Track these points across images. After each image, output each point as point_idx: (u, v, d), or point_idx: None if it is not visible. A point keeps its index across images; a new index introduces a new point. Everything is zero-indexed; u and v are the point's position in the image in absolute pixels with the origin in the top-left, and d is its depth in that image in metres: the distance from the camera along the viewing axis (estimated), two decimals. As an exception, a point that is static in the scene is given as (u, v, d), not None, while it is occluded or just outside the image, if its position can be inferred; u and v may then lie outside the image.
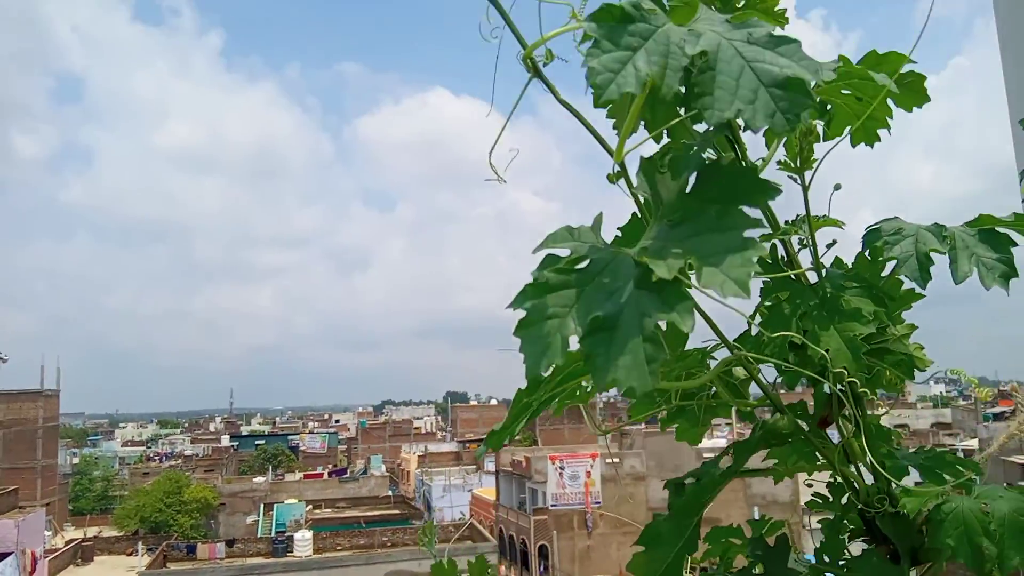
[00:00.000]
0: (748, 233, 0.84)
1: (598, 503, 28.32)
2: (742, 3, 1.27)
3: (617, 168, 1.07)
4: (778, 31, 0.87)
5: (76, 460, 57.00)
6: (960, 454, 1.38)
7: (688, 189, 0.96)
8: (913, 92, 1.18)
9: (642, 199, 1.00)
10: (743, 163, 1.08)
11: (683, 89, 0.87)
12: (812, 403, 1.30)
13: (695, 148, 0.96)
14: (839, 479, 1.26)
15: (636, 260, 0.87)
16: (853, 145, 1.34)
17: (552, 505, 28.45)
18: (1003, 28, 4.93)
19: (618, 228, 1.28)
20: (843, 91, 1.25)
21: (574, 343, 0.85)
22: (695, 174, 0.95)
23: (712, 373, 1.12)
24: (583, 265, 0.93)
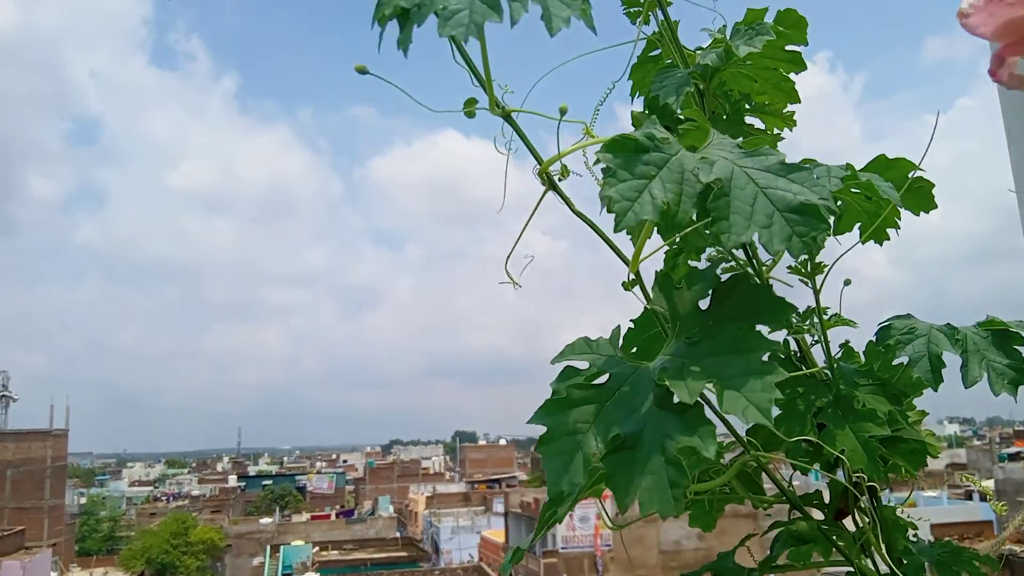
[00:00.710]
0: (767, 356, 0.87)
1: (608, 546, 27.92)
2: (764, 22, 1.30)
3: (632, 276, 1.10)
4: (789, 159, 0.90)
5: (83, 500, 56.70)
6: (976, 496, 1.37)
7: (704, 305, 0.98)
8: (922, 198, 1.21)
9: (660, 309, 1.02)
10: (758, 278, 1.11)
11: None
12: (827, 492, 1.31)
13: (709, 263, 0.99)
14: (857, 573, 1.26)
15: (656, 380, 0.89)
16: (863, 243, 1.37)
17: (562, 548, 28.06)
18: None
19: (631, 321, 1.30)
20: (852, 190, 1.28)
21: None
22: (711, 290, 0.97)
23: (729, 474, 1.13)
24: (603, 379, 0.95)
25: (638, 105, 1.42)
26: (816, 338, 1.24)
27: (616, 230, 0.88)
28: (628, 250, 1.05)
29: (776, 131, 1.43)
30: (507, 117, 1.09)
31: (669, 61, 1.52)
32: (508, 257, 1.19)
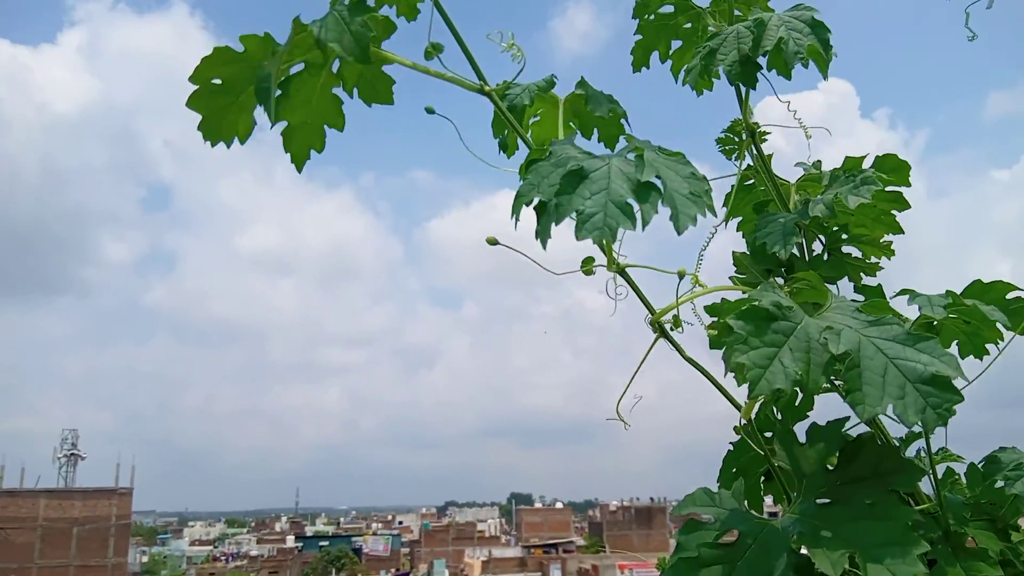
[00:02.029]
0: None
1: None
2: (865, 168, 1.33)
3: (744, 422, 1.12)
4: (914, 330, 0.93)
5: (145, 559, 57.33)
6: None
7: (831, 464, 1.00)
8: (1020, 316, 1.21)
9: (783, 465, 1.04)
10: (886, 440, 1.12)
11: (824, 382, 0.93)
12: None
13: (835, 422, 1.01)
14: None
15: (792, 544, 0.90)
16: (962, 357, 1.37)
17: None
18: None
19: (730, 443, 1.31)
20: (950, 315, 1.29)
21: None
22: (838, 450, 0.99)
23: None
24: (731, 538, 0.97)
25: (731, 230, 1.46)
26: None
27: (750, 396, 0.91)
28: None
29: (874, 259, 1.45)
30: (622, 272, 1.14)
31: (763, 188, 1.57)
32: (620, 400, 1.22)
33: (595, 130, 1.38)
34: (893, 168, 1.29)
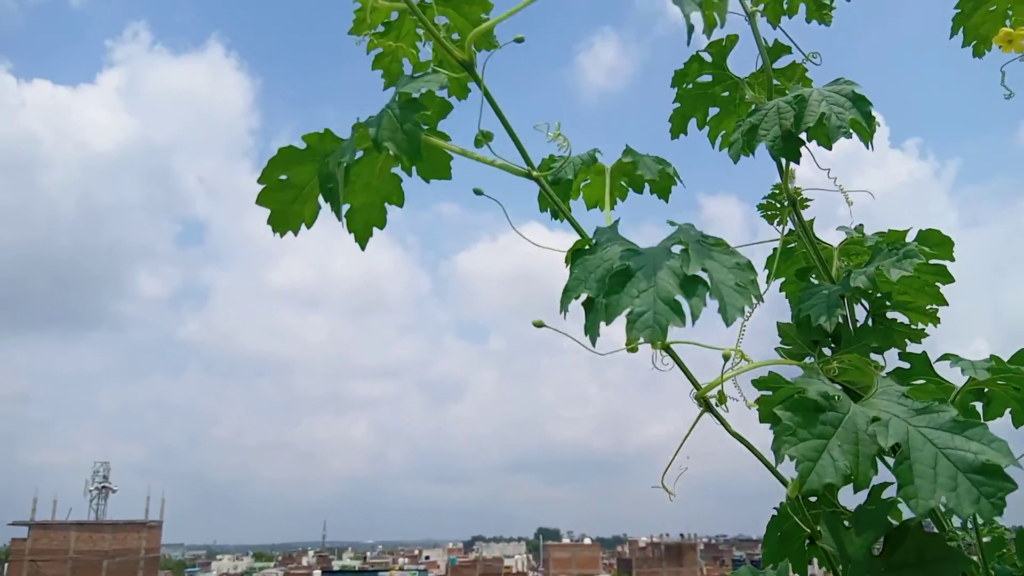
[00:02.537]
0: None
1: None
2: (908, 242, 1.33)
3: (792, 496, 1.12)
4: (961, 416, 0.92)
5: (173, 592, 57.35)
6: None
7: (876, 551, 0.99)
8: None
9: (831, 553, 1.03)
10: (939, 525, 1.11)
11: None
12: None
13: (881, 505, 1.00)
14: None
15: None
16: (1016, 426, 1.36)
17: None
18: None
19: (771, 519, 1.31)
20: (999, 382, 1.28)
21: None
22: (882, 538, 0.99)
23: None
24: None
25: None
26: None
27: (802, 491, 0.91)
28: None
29: (920, 326, 1.45)
30: (667, 349, 1.15)
31: (804, 251, 1.58)
32: (665, 471, 1.23)
33: (647, 186, 1.40)
34: (937, 242, 1.29)
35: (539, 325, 1.08)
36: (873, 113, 1.25)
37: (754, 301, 0.90)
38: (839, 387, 1.00)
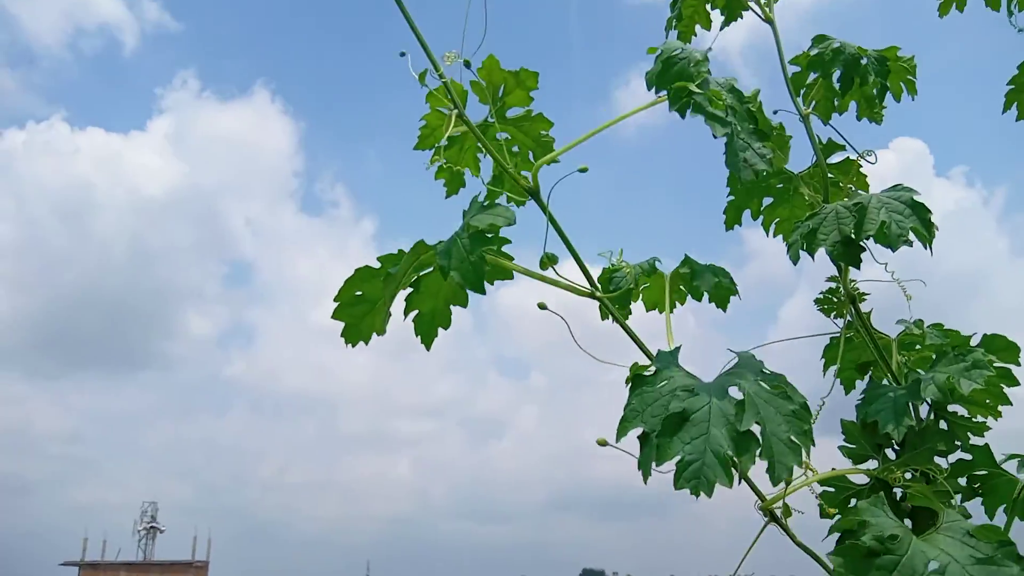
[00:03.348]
0: None
1: None
2: (974, 347, 1.32)
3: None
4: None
5: (220, 625, 57.71)
6: None
7: None
8: None
9: None
10: None
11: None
12: None
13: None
14: None
15: None
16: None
17: None
18: None
19: None
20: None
21: None
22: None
23: None
24: None
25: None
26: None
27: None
28: None
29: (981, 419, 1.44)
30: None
31: (861, 340, 1.57)
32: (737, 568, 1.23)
33: (704, 294, 1.42)
34: (1003, 348, 1.29)
35: (602, 443, 1.10)
36: (933, 220, 1.26)
37: (804, 456, 0.92)
38: (899, 521, 1.00)
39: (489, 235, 1.08)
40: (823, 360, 1.61)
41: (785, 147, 1.34)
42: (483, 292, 1.07)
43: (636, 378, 1.03)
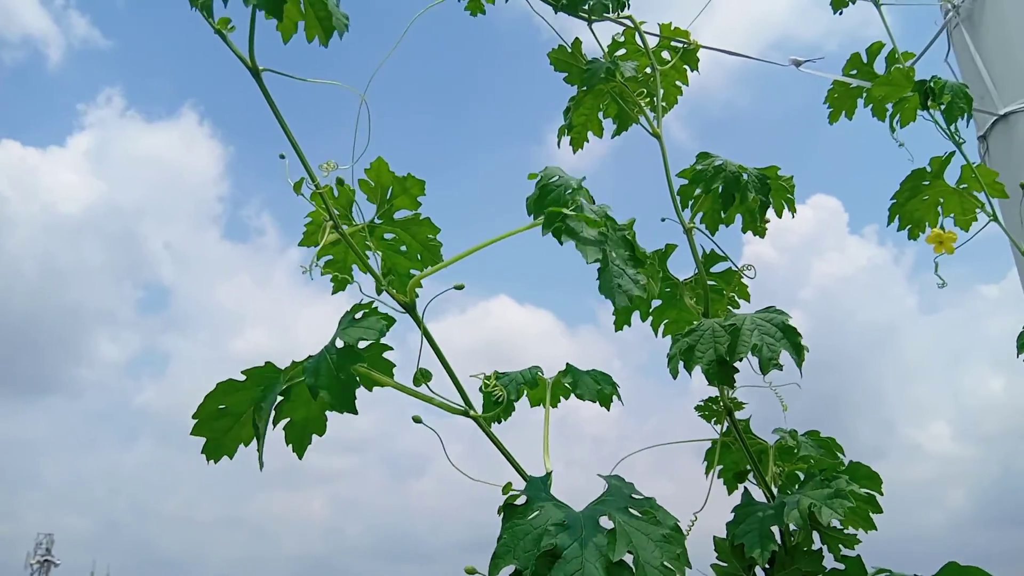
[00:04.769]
0: None
1: None
2: (839, 474, 1.36)
3: None
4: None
5: None
6: None
7: None
8: None
9: None
10: None
11: None
12: None
13: None
14: None
15: None
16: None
17: None
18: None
19: None
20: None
21: None
22: None
23: None
24: None
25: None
26: None
27: None
28: None
29: None
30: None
31: (738, 448, 1.60)
32: None
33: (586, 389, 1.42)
34: (866, 476, 1.33)
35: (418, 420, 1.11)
36: (803, 343, 1.30)
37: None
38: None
39: (360, 350, 1.05)
40: (704, 463, 1.64)
41: (656, 276, 1.35)
42: (355, 412, 1.04)
43: (508, 508, 1.01)
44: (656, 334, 1.71)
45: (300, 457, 1.24)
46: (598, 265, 1.10)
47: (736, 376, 1.52)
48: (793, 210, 1.56)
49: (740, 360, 1.29)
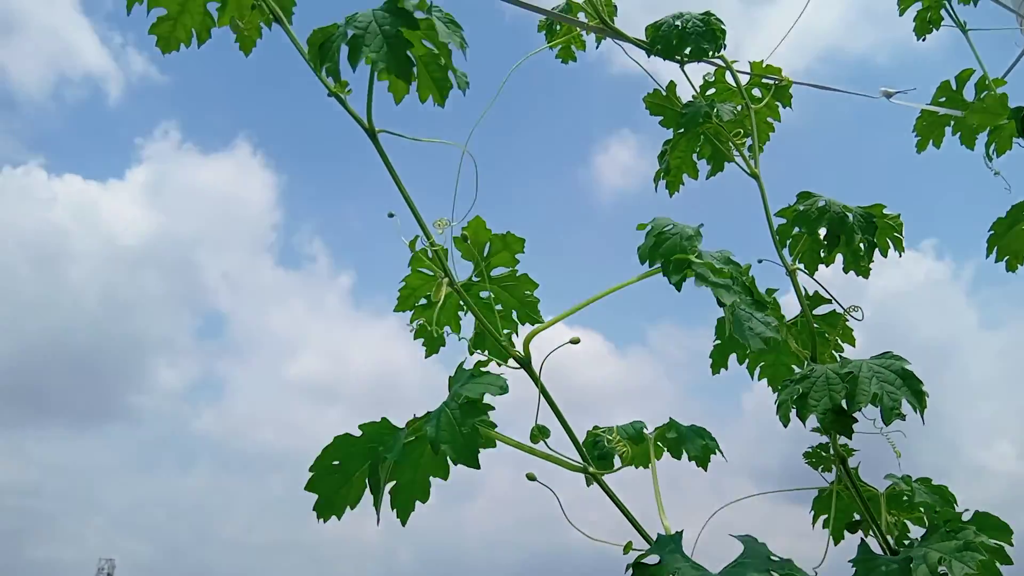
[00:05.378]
0: None
1: None
2: (966, 524, 1.29)
3: None
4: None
5: None
6: None
7: None
8: None
9: None
10: None
11: None
12: None
13: None
14: None
15: None
16: None
17: None
18: None
19: None
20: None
21: None
22: None
23: None
24: None
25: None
26: None
27: None
28: None
29: None
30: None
31: (848, 495, 1.54)
32: None
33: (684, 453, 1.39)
34: (995, 527, 1.27)
35: (531, 478, 1.09)
36: (924, 389, 1.25)
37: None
38: None
39: (482, 407, 1.04)
40: (812, 512, 1.59)
41: (777, 312, 1.33)
42: (477, 467, 1.02)
43: (638, 568, 0.99)
44: (752, 377, 1.67)
45: (404, 524, 1.22)
46: (726, 307, 1.08)
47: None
48: (901, 249, 1.52)
49: (859, 409, 1.25)
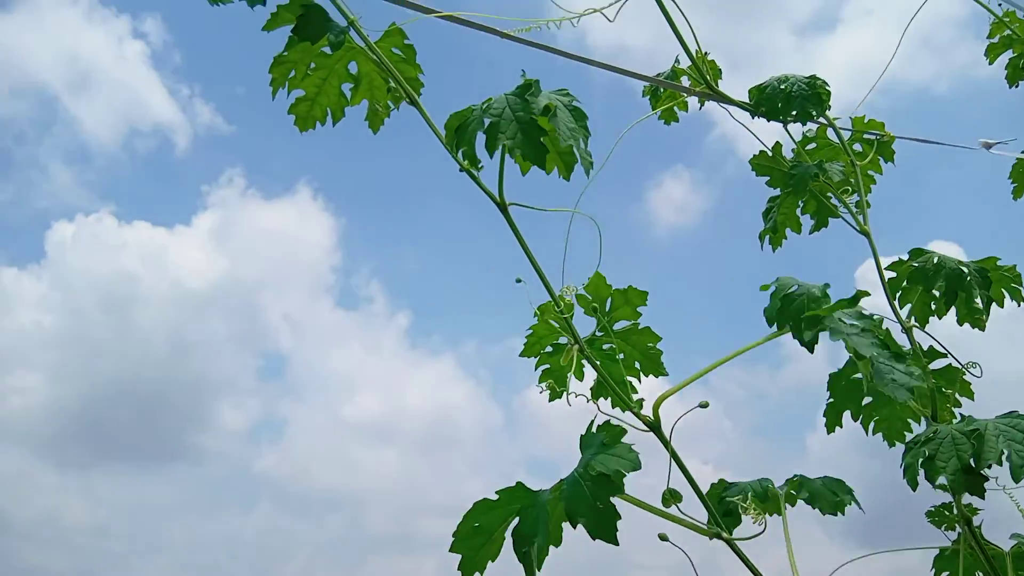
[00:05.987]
0: None
1: None
2: None
3: None
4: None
5: None
6: None
7: None
8: None
9: None
10: None
11: None
12: None
13: None
14: None
15: None
16: None
17: None
18: None
19: None
20: None
21: None
22: None
23: None
24: None
25: None
26: None
27: None
28: None
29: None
30: None
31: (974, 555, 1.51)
32: None
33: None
34: None
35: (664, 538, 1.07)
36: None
37: None
38: None
39: (615, 481, 1.06)
40: (932, 570, 1.56)
41: (920, 362, 1.33)
42: (616, 542, 1.05)
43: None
44: (867, 432, 1.66)
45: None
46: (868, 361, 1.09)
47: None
48: (1019, 300, 1.50)
49: (988, 468, 1.23)
